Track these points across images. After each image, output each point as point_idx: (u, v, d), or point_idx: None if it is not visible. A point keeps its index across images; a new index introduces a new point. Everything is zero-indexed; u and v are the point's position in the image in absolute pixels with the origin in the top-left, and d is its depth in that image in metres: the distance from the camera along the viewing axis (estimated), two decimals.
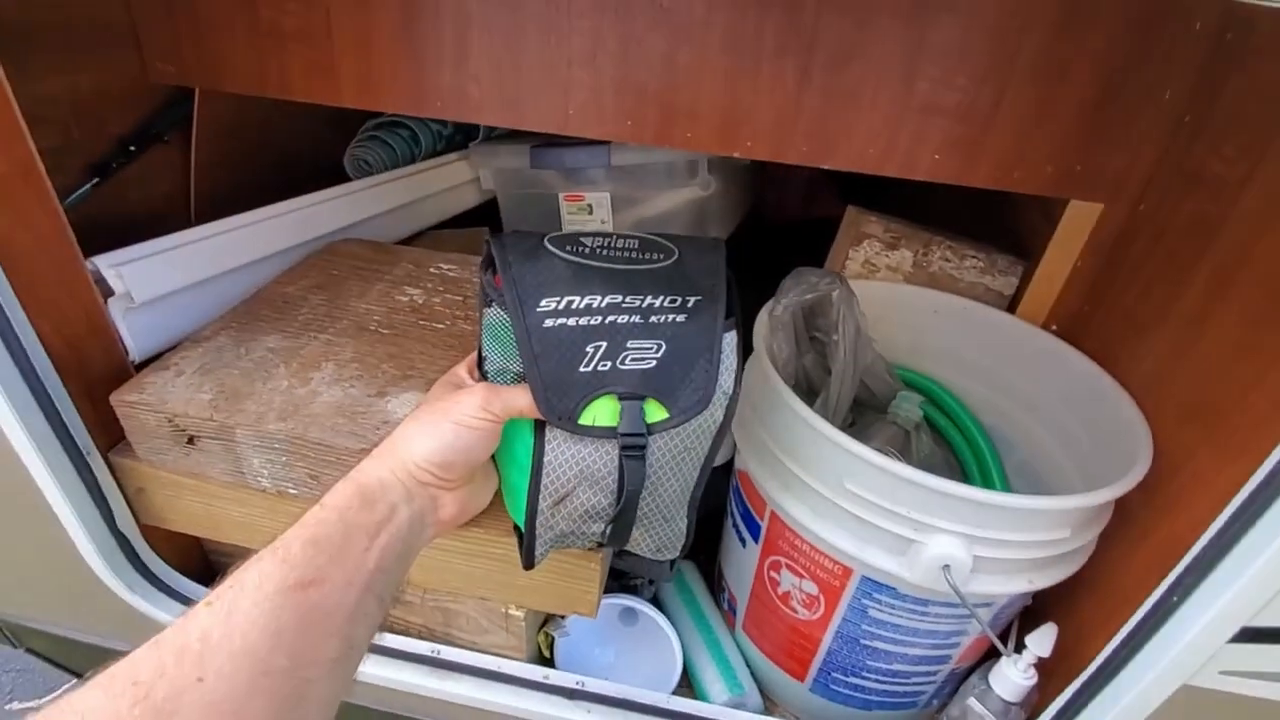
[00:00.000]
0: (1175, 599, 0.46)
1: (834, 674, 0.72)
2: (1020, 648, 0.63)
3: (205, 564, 0.82)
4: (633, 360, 0.40)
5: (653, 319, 0.42)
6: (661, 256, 0.45)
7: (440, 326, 0.71)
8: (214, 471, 0.62)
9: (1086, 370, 0.70)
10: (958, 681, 0.72)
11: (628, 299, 0.42)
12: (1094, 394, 0.69)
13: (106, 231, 0.67)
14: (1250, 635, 0.43)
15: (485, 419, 0.41)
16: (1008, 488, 0.76)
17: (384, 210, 0.98)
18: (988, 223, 0.92)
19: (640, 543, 0.47)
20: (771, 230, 1.32)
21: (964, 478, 0.79)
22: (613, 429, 0.40)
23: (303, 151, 1.07)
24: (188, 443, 0.60)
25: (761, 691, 0.80)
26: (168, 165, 0.88)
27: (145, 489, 0.67)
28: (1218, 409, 0.54)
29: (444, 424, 0.41)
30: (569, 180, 1.06)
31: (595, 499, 0.42)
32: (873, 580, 0.63)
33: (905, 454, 0.76)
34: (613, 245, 0.45)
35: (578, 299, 0.41)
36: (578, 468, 0.42)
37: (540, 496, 0.42)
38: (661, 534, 0.47)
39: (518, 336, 0.41)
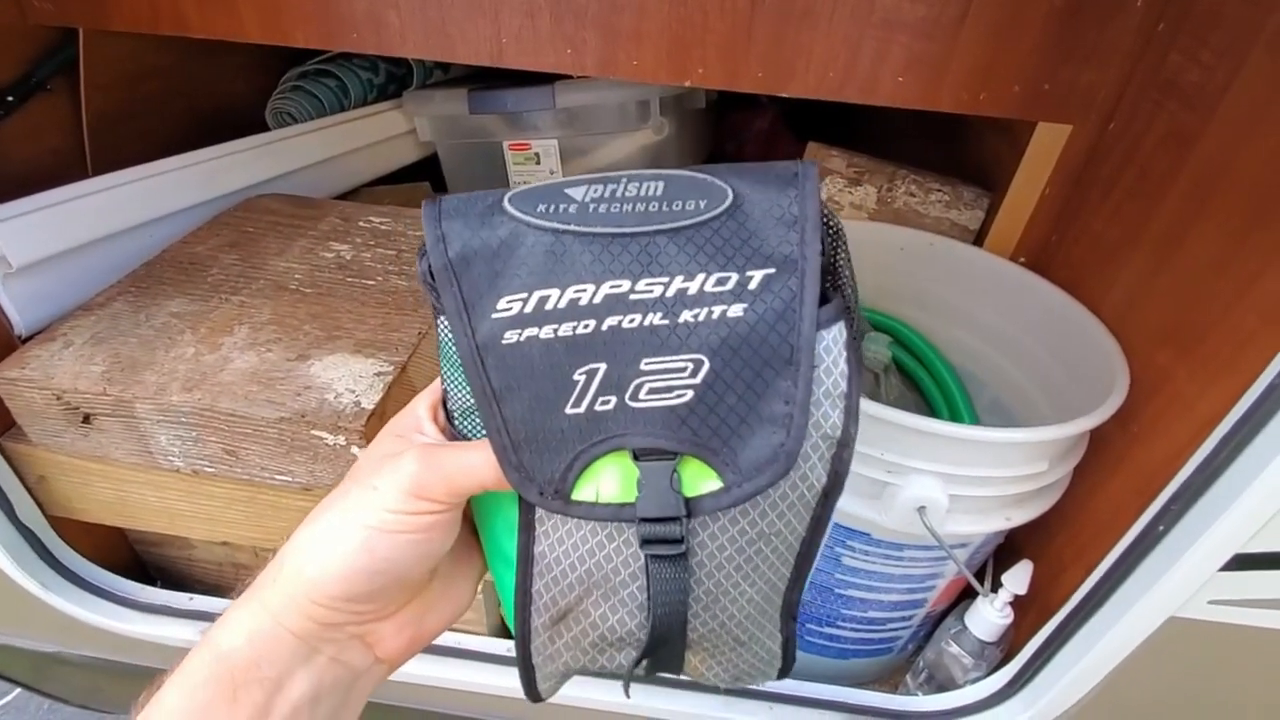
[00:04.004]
0: (1161, 528, 0.44)
1: (808, 625, 0.70)
2: (996, 586, 0.62)
3: (132, 556, 0.76)
4: (653, 391, 0.25)
5: (686, 316, 0.25)
6: (705, 203, 0.26)
7: (371, 283, 0.65)
8: (119, 453, 0.55)
9: (1058, 300, 0.68)
10: (933, 625, 0.71)
11: (641, 284, 0.25)
12: (1066, 324, 0.66)
13: None
14: (1243, 562, 0.41)
15: (418, 514, 0.25)
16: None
17: (308, 164, 0.90)
18: (951, 155, 0.89)
19: (704, 671, 0.31)
20: None
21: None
22: (627, 506, 0.25)
23: (223, 106, 0.98)
24: (84, 422, 0.53)
25: None
26: (57, 118, 0.78)
27: (46, 477, 0.60)
28: (1196, 328, 0.52)
29: (349, 530, 0.25)
30: (513, 127, 0.99)
31: (613, 617, 0.27)
32: (846, 527, 0.60)
33: (874, 397, 0.73)
34: (620, 195, 0.26)
35: (555, 292, 0.25)
36: (581, 568, 0.27)
37: (533, 612, 0.28)
38: (737, 660, 0.30)
39: (465, 362, 0.26)
